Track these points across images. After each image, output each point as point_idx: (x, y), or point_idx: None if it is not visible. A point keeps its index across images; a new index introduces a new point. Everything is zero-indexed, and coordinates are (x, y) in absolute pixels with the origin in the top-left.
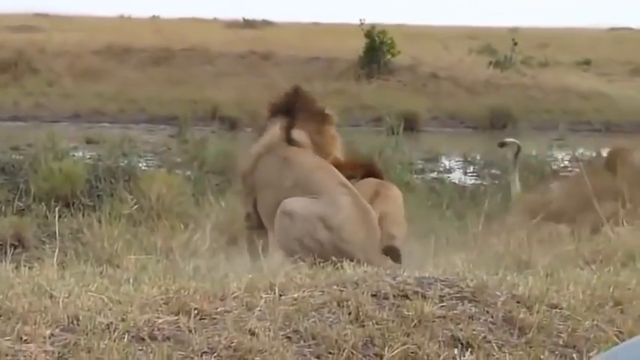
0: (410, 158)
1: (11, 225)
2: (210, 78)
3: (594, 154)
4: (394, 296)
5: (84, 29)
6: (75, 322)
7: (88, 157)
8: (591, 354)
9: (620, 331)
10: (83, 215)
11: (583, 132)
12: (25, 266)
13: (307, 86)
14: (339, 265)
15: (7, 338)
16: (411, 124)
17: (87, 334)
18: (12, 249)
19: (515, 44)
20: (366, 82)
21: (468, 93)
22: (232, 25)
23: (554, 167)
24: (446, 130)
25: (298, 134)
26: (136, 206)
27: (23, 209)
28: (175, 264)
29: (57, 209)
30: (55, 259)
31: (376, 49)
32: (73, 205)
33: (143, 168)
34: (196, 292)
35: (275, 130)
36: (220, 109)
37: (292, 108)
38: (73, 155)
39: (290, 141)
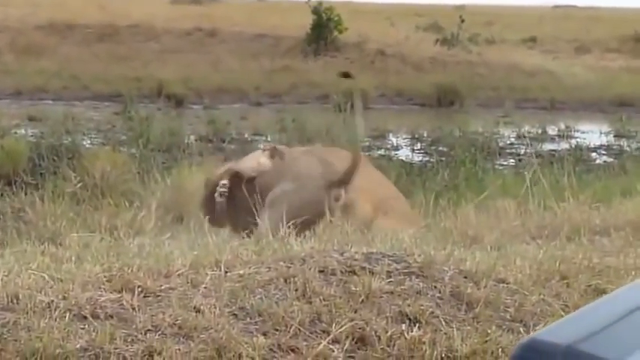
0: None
1: None
2: (155, 55)
3: (540, 132)
4: (341, 272)
5: (26, 4)
6: (14, 300)
7: (31, 134)
8: (537, 328)
9: (566, 305)
10: (25, 194)
11: (529, 109)
12: None
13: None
14: (285, 240)
15: None
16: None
17: (27, 313)
18: None
19: (462, 21)
20: (313, 59)
21: (415, 70)
22: (178, 1)
23: (501, 144)
24: (393, 108)
25: None
26: (79, 184)
27: None
28: (119, 242)
29: None
30: None
31: (323, 26)
32: (15, 184)
33: (87, 146)
34: (140, 269)
35: None
36: (166, 86)
37: None
38: (15, 133)
39: None
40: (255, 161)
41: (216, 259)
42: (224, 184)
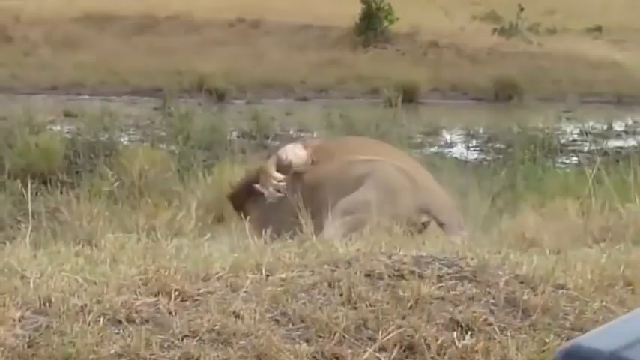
0: (409, 132)
1: None
2: (196, 47)
3: (605, 128)
4: (389, 276)
5: None
6: (47, 303)
7: (67, 131)
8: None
9: None
10: (61, 193)
11: (593, 104)
12: None
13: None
14: (330, 243)
15: None
16: (409, 96)
17: (59, 317)
18: None
19: (522, 10)
20: (362, 51)
21: (471, 62)
22: None
23: (562, 141)
24: (447, 102)
25: None
26: (116, 183)
27: None
28: (157, 243)
29: (33, 186)
30: (27, 238)
31: (373, 16)
32: (50, 183)
33: (125, 143)
34: (177, 272)
35: None
36: (207, 80)
37: None
38: (51, 129)
39: None
40: (294, 155)
41: (257, 261)
42: (281, 179)
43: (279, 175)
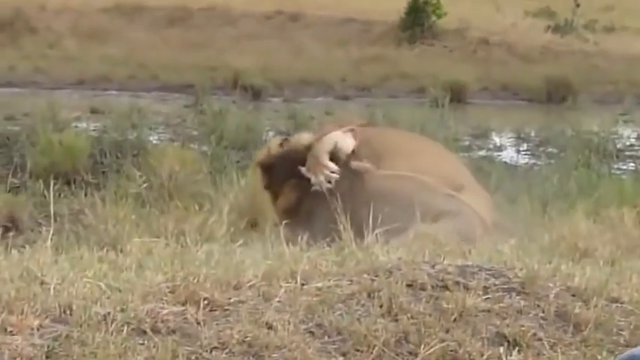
0: (456, 134)
1: (4, 204)
2: (231, 41)
3: None
4: (432, 287)
5: None
6: (68, 311)
7: (93, 128)
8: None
9: None
10: (85, 194)
11: None
12: (15, 249)
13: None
14: (370, 250)
15: None
16: (457, 96)
17: (81, 326)
18: (4, 231)
19: (578, 6)
20: (407, 48)
21: (523, 61)
22: None
23: (619, 146)
24: (497, 103)
25: None
26: (145, 185)
27: (18, 186)
28: (186, 249)
29: (56, 187)
30: (49, 241)
31: (420, 10)
32: (74, 183)
33: (154, 142)
34: (207, 279)
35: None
36: (242, 76)
37: None
38: (76, 126)
39: None
40: (346, 145)
41: (292, 269)
42: (335, 170)
43: (334, 166)
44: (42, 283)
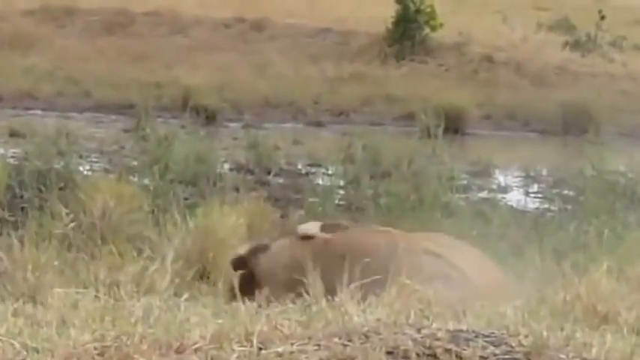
0: (451, 171)
1: None
2: (181, 53)
3: None
4: (418, 355)
5: None
6: None
7: (11, 155)
8: None
9: None
10: (0, 234)
11: None
12: None
13: (314, 68)
14: (342, 308)
15: None
16: (454, 124)
17: None
18: None
19: (603, 18)
20: (394, 65)
21: (535, 84)
22: None
23: None
24: (502, 134)
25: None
26: (72, 224)
27: None
28: (119, 303)
29: None
30: None
31: (410, 20)
32: None
33: (85, 173)
34: (143, 340)
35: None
36: (194, 95)
37: None
38: None
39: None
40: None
41: (248, 330)
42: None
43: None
44: None
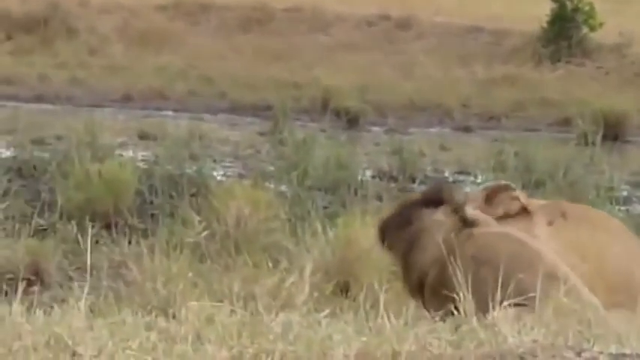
0: (610, 181)
1: (27, 251)
2: (322, 52)
3: None
4: None
5: None
6: None
7: (141, 158)
8: None
9: None
10: (129, 242)
11: None
12: (41, 309)
13: (463, 70)
14: (496, 329)
15: None
16: (613, 131)
17: None
18: (27, 285)
19: None
20: (549, 67)
21: None
22: None
23: None
24: None
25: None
26: (205, 233)
27: (45, 229)
28: (257, 318)
29: (93, 231)
30: (83, 301)
31: (567, 19)
32: (115, 227)
33: (219, 178)
34: (284, 358)
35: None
36: (335, 97)
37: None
38: (120, 155)
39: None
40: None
41: (394, 349)
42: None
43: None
44: (74, 354)
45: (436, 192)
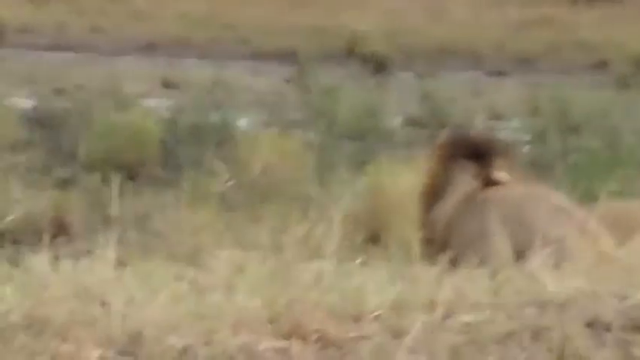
0: None
1: (51, 203)
2: None
3: None
4: (620, 328)
5: None
6: (136, 342)
7: (165, 107)
8: None
9: None
10: (155, 193)
11: None
12: (66, 260)
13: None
14: (535, 275)
15: None
16: None
17: None
18: (52, 237)
19: None
20: (585, 8)
21: None
22: None
23: None
24: None
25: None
26: (231, 182)
27: (68, 181)
28: (288, 267)
29: (117, 182)
30: (111, 251)
31: None
32: (140, 179)
33: (244, 127)
34: (317, 308)
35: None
36: (362, 41)
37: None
38: (143, 104)
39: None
40: None
41: (431, 298)
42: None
43: None
44: (103, 304)
45: (486, 144)
